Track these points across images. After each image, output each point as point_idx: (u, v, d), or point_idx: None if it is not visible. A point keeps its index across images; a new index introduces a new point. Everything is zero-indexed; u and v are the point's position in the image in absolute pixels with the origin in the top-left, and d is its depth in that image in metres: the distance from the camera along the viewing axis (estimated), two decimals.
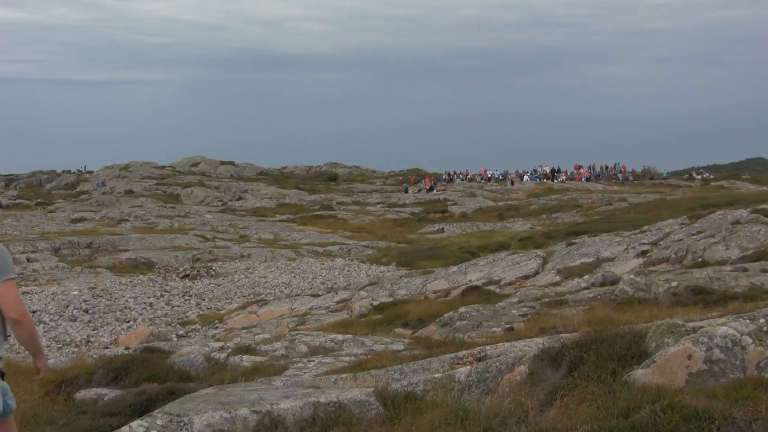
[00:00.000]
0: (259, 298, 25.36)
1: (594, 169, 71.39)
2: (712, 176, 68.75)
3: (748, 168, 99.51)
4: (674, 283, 11.28)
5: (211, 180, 73.07)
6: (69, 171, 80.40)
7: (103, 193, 66.12)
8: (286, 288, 27.42)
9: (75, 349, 17.96)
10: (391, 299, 18.97)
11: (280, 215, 54.40)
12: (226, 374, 7.32)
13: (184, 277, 30.62)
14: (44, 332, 20.54)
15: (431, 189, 64.47)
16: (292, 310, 20.64)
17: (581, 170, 71.24)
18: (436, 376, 5.51)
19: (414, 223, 50.48)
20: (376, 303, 18.05)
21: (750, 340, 4.39)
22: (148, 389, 6.29)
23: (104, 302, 24.72)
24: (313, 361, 8.36)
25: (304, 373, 7.55)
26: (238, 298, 26.08)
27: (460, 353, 6.27)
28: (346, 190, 69.16)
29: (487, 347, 6.41)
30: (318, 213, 54.85)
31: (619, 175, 69.34)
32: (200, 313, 23.45)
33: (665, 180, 66.38)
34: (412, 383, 5.42)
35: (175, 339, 17.55)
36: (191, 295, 26.60)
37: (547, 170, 70.10)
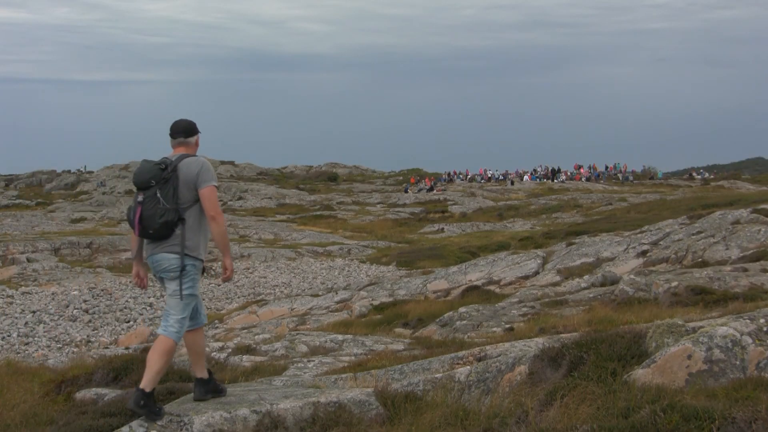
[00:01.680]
0: (259, 298, 25.37)
1: (595, 169, 71.38)
2: (712, 176, 68.74)
3: (748, 168, 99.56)
4: (674, 283, 11.27)
5: None
6: (69, 171, 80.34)
7: (103, 193, 66.11)
8: (286, 288, 27.42)
9: (75, 349, 17.95)
10: (391, 299, 18.96)
11: (280, 215, 54.39)
12: (226, 374, 7.32)
13: None
14: (44, 332, 20.54)
15: (431, 189, 64.46)
16: (292, 310, 20.64)
17: (581, 170, 71.25)
18: (436, 376, 5.51)
19: (414, 223, 50.47)
20: (376, 303, 18.04)
21: (750, 340, 4.38)
22: None
23: (104, 302, 24.72)
24: (313, 361, 8.36)
25: (304, 373, 7.55)
26: (238, 298, 26.08)
27: (460, 353, 6.27)
28: (346, 190, 69.13)
29: (487, 347, 6.41)
30: (318, 213, 54.84)
31: (619, 175, 69.35)
32: None
33: (659, 181, 66.27)
34: (412, 383, 5.41)
35: None
36: None
37: (548, 170, 70.13)
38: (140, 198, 5.03)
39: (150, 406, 4.90)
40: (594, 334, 5.25)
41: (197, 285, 5.16)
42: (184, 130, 5.26)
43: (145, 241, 5.13)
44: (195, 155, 5.23)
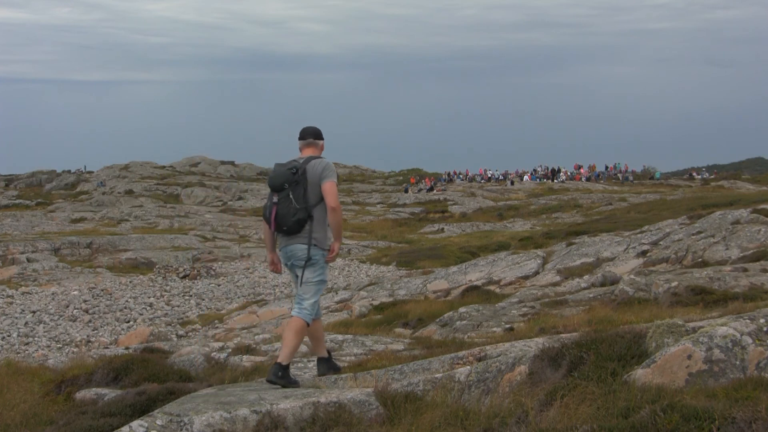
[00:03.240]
0: (259, 298, 25.37)
1: (593, 169, 71.36)
2: (712, 176, 68.71)
3: (748, 168, 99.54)
4: (674, 283, 11.26)
5: (211, 180, 73.08)
6: (69, 171, 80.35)
7: (103, 193, 66.12)
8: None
9: (75, 349, 17.95)
10: (391, 299, 18.96)
11: None
12: (226, 374, 7.30)
13: (184, 277, 30.62)
14: (44, 332, 20.54)
15: (431, 189, 64.47)
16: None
17: (581, 170, 71.24)
18: (436, 376, 5.51)
19: (414, 223, 50.49)
20: (376, 303, 18.03)
21: (750, 340, 4.38)
22: (148, 389, 6.27)
23: (104, 302, 24.73)
24: (313, 361, 8.34)
25: (304, 373, 7.55)
26: (238, 298, 26.08)
27: (460, 353, 6.26)
28: (346, 190, 69.12)
29: (487, 347, 6.40)
30: None
31: (619, 175, 69.33)
32: (200, 313, 23.45)
33: (658, 181, 66.21)
34: (412, 383, 5.41)
35: (175, 339, 17.56)
36: (191, 295, 26.60)
37: (548, 170, 70.12)
38: (275, 199, 5.77)
39: (287, 377, 5.64)
40: (594, 334, 5.24)
41: (326, 272, 5.95)
42: (313, 133, 6.04)
43: (279, 234, 5.90)
44: (321, 157, 5.93)
